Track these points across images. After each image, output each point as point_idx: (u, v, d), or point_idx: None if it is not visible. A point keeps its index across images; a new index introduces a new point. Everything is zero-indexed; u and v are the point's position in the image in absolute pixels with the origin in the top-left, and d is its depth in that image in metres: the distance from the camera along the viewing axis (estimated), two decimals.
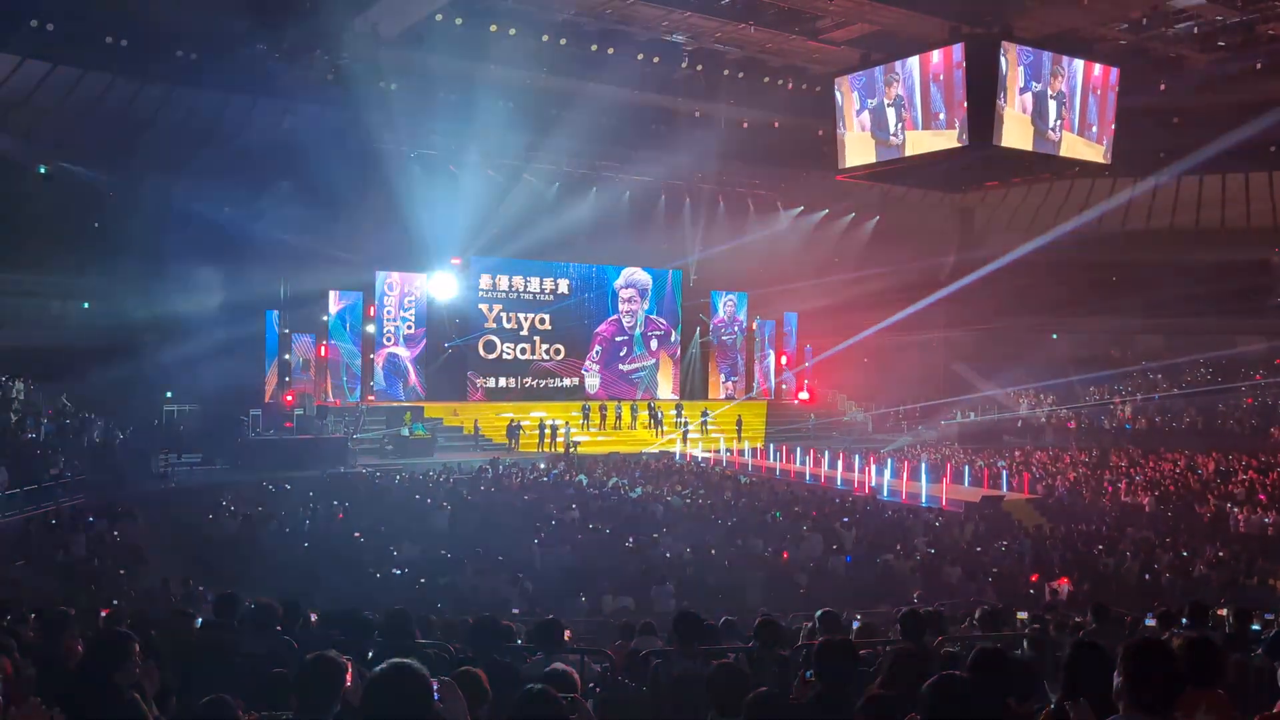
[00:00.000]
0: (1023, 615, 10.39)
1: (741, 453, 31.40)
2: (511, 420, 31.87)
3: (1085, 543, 18.25)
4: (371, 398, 32.54)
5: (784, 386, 41.18)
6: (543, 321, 36.89)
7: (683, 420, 35.74)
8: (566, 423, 32.41)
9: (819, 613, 6.87)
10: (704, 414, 36.20)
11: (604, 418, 34.64)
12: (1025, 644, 7.32)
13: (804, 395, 40.86)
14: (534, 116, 32.24)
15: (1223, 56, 28.28)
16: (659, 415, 35.76)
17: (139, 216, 27.20)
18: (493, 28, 26.93)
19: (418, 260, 33.74)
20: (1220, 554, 17.24)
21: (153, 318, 27.68)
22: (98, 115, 28.27)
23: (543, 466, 25.94)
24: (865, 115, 24.35)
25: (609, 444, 32.11)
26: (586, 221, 36.64)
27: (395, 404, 32.05)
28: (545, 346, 36.97)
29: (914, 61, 22.98)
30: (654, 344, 39.29)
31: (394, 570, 15.16)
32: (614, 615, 12.75)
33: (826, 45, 28.32)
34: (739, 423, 34.99)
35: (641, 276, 38.93)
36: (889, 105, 23.60)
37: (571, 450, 30.14)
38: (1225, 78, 29.43)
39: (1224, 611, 8.18)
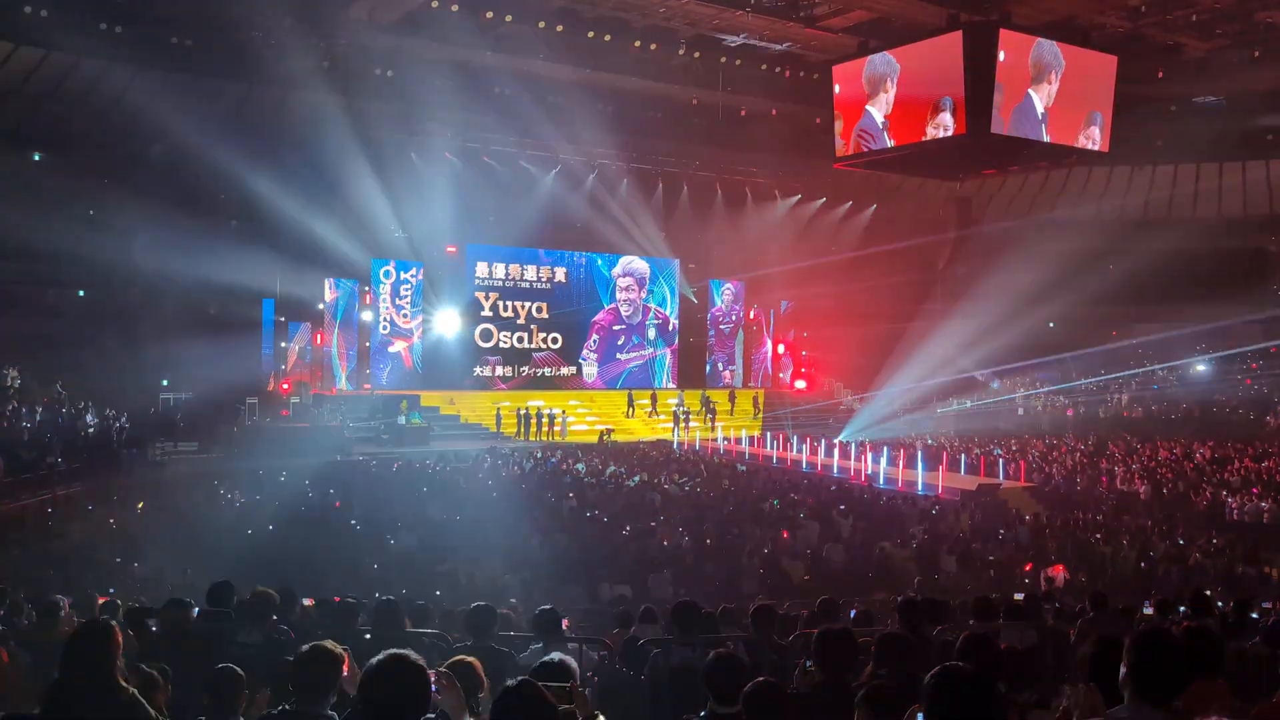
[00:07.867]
0: (1019, 597, 10.37)
1: (739, 440, 31.39)
2: (508, 408, 31.84)
3: (1082, 531, 18.27)
4: (368, 386, 32.48)
5: (781, 375, 41.17)
6: (540, 310, 36.78)
7: (683, 409, 35.67)
8: (564, 411, 32.39)
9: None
10: (703, 402, 36.17)
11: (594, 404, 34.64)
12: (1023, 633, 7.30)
13: (801, 384, 40.85)
14: (531, 104, 32.11)
15: (1220, 44, 28.24)
16: (676, 407, 35.68)
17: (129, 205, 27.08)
18: (488, 14, 26.80)
19: (414, 248, 33.64)
20: (1215, 542, 17.28)
21: (147, 307, 27.54)
22: (91, 101, 28.09)
23: (539, 455, 25.92)
24: (863, 103, 24.24)
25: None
26: (584, 209, 36.54)
27: (392, 392, 32.00)
28: (542, 335, 36.89)
29: (911, 49, 22.90)
30: (652, 333, 39.22)
31: (390, 559, 15.14)
32: (611, 604, 12.73)
33: (824, 32, 28.23)
34: (710, 407, 34.91)
35: (639, 265, 38.81)
36: (886, 93, 23.50)
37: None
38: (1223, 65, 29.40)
39: (1221, 600, 8.18)
